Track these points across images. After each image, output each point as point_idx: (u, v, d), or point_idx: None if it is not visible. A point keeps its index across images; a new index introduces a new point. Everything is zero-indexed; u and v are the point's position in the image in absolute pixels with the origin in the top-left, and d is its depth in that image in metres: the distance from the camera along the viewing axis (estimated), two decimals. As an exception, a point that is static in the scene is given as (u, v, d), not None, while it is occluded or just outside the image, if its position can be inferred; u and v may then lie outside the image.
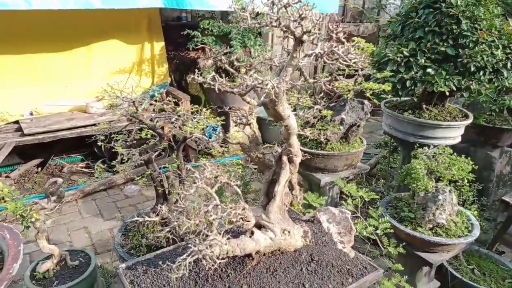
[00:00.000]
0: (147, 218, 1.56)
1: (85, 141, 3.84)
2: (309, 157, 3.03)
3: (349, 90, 2.87)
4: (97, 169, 5.59)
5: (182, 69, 6.89)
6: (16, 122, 5.06)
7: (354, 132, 3.07)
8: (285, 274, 1.81)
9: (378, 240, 2.63)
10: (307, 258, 1.90)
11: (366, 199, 2.77)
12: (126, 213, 4.68)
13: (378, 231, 2.62)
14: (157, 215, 1.56)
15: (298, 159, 1.82)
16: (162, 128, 2.52)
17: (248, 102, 1.57)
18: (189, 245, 1.42)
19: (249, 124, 1.89)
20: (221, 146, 6.43)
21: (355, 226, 2.64)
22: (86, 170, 5.81)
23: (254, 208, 1.87)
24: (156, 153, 2.58)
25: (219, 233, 1.54)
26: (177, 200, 2.61)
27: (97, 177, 5.51)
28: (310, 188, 3.43)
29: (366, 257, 2.77)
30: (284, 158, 1.81)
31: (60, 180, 2.41)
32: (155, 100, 5.74)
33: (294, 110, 3.44)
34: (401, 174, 3.27)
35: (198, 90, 7.20)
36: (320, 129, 3.02)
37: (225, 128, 6.27)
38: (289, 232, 1.87)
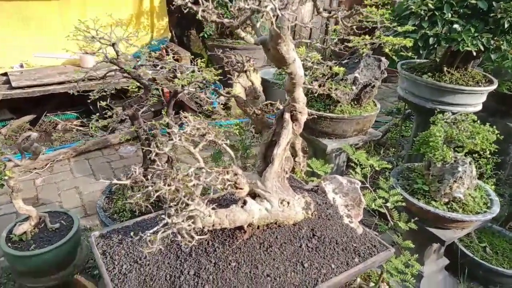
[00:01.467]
0: (115, 181, 1.30)
1: (79, 97, 3.57)
2: (315, 120, 2.73)
3: (365, 45, 2.51)
4: (91, 127, 5.33)
5: (184, 24, 6.45)
6: (5, 74, 4.75)
7: (367, 93, 2.73)
8: (281, 250, 1.55)
9: (387, 213, 2.37)
10: (307, 233, 1.64)
11: (377, 168, 2.48)
12: (120, 174, 4.46)
13: (388, 204, 2.36)
14: (129, 178, 1.28)
15: (303, 117, 1.52)
16: (154, 80, 2.20)
17: (243, 38, 1.25)
18: (163, 215, 1.15)
19: (245, 71, 1.57)
20: (223, 109, 6.12)
21: (363, 195, 2.39)
22: (81, 128, 5.55)
23: (249, 174, 1.59)
24: (144, 108, 2.28)
25: (202, 202, 1.27)
26: (154, 161, 2.35)
27: (91, 136, 5.26)
28: (314, 155, 3.15)
29: (375, 233, 2.53)
30: (287, 115, 1.51)
31: (34, 134, 2.13)
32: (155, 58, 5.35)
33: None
34: (417, 142, 2.96)
35: (201, 48, 6.79)
36: (329, 89, 2.69)
37: (228, 87, 5.93)
38: (288, 203, 1.60)
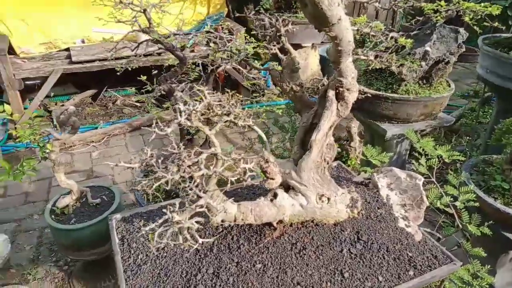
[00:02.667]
0: (122, 164, 1.13)
1: (137, 73, 3.54)
2: (373, 101, 2.37)
3: (438, 12, 2.08)
4: (147, 103, 5.38)
5: (242, -2, 6.21)
6: (67, 49, 4.90)
7: (440, 70, 2.30)
8: (317, 255, 1.31)
9: (455, 214, 2.00)
10: (351, 235, 1.37)
11: (447, 160, 2.10)
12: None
13: (457, 203, 1.98)
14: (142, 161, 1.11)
15: (352, 96, 1.23)
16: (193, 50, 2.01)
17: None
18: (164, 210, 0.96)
19: (279, 36, 1.30)
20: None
21: (427, 192, 2.04)
22: (138, 104, 5.64)
23: (283, 162, 1.35)
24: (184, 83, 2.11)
25: (220, 194, 1.06)
26: (191, 140, 2.18)
27: (147, 112, 5.32)
28: (371, 141, 2.79)
29: (438, 236, 2.17)
30: (331, 93, 1.23)
31: (71, 108, 2.07)
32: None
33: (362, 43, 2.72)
34: (497, 131, 2.48)
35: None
36: (389, 62, 2.31)
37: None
38: (328, 198, 1.33)
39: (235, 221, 1.21)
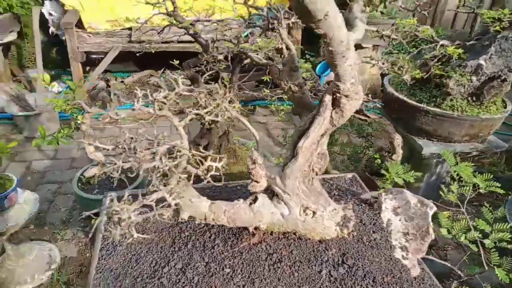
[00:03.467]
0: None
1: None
2: (413, 113, 2.16)
3: (500, 20, 1.81)
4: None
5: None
6: (130, 28, 5.13)
7: (494, 88, 2.02)
8: (293, 271, 1.20)
9: (482, 253, 1.76)
10: (336, 257, 1.24)
11: (482, 190, 1.84)
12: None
13: (487, 241, 1.74)
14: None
15: (351, 104, 1.09)
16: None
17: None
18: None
19: (272, 29, 1.19)
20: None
21: (453, 223, 1.82)
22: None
23: (271, 166, 1.25)
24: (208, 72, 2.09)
25: (187, 189, 1.01)
26: (210, 130, 2.12)
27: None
28: (410, 157, 2.56)
29: (454, 278, 1.93)
30: (327, 98, 1.11)
31: (102, 83, 2.14)
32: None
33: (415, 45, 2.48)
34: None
35: (322, 20, 6.30)
36: (439, 75, 2.08)
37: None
38: (314, 212, 1.21)
39: (205, 219, 1.15)
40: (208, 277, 1.19)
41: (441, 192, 1.87)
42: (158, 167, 0.94)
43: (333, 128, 1.14)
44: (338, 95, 1.08)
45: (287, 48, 1.15)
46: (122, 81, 5.82)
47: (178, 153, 1.00)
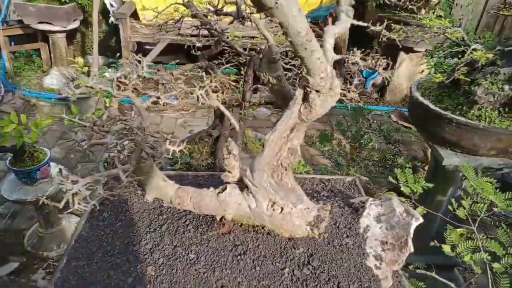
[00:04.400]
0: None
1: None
2: (437, 120, 2.02)
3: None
4: (241, 84, 5.56)
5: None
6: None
7: (529, 100, 1.82)
8: (255, 264, 1.19)
9: (489, 278, 1.60)
10: (302, 257, 1.21)
11: (498, 209, 1.68)
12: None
13: (496, 265, 1.59)
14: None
15: (323, 100, 1.04)
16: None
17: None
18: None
19: (243, 17, 1.16)
20: (377, 92, 5.42)
21: (458, 239, 1.69)
22: (235, 84, 5.86)
23: (246, 157, 1.25)
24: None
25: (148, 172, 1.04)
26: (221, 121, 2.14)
27: (239, 92, 5.49)
28: (435, 168, 2.39)
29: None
30: (298, 91, 1.07)
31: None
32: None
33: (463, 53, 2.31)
34: None
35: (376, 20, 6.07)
36: (464, 82, 1.92)
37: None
38: (282, 208, 1.19)
39: (171, 203, 1.17)
40: (173, 260, 1.22)
41: (449, 207, 1.73)
42: (110, 144, 0.98)
43: (303, 123, 1.10)
44: (308, 89, 1.04)
45: (265, 38, 1.13)
46: (171, 73, 6.05)
47: (135, 135, 1.03)
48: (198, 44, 2.06)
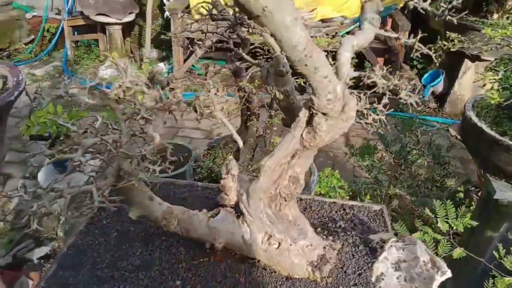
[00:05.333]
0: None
1: None
2: (492, 146, 1.73)
3: None
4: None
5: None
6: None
7: None
8: (243, 303, 1.05)
9: None
10: (298, 301, 1.04)
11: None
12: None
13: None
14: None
15: (329, 125, 0.87)
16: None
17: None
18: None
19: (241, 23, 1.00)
20: (436, 101, 4.97)
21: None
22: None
23: (245, 179, 1.11)
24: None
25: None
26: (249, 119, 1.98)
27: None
28: (487, 200, 2.07)
29: None
30: (302, 113, 0.91)
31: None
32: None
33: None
34: None
35: (441, 25, 5.57)
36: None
37: (451, 78, 4.74)
38: (279, 243, 1.03)
39: (156, 223, 1.07)
40: (157, 283, 1.12)
41: (495, 253, 1.46)
42: (76, 161, 0.88)
43: (306, 150, 0.94)
44: (313, 111, 0.88)
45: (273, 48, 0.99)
46: (206, 70, 6.00)
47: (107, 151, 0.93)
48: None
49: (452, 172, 2.77)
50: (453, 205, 1.62)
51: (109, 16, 5.03)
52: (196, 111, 1.15)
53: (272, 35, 0.73)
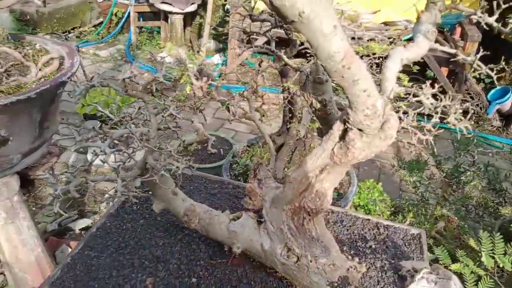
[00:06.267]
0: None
1: None
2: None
3: None
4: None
5: None
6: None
7: None
8: (255, 312, 1.02)
9: None
10: (312, 320, 0.99)
11: None
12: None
13: None
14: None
15: (364, 142, 0.81)
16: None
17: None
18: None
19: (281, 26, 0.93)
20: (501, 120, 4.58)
21: None
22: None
23: (271, 186, 1.07)
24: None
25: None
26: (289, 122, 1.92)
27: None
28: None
29: None
30: (336, 126, 0.84)
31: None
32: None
33: None
34: None
35: (519, 37, 5.10)
36: None
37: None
38: (297, 257, 0.98)
39: (178, 218, 1.07)
40: (174, 277, 1.12)
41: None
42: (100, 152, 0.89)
43: (336, 166, 0.87)
44: (348, 125, 0.81)
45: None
46: (259, 65, 5.97)
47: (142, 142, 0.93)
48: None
49: (509, 200, 2.53)
50: (502, 239, 1.47)
51: (172, 5, 5.18)
52: (228, 110, 1.12)
53: (308, 42, 0.68)
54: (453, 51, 0.91)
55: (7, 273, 2.05)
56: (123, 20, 6.22)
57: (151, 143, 0.93)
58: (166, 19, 5.76)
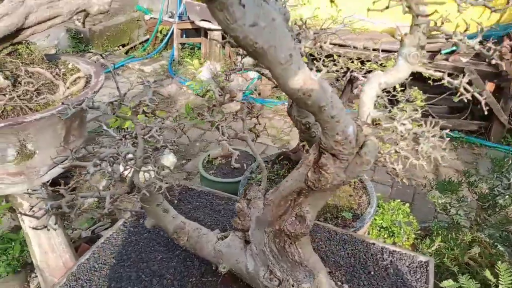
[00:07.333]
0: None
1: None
2: None
3: None
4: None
5: None
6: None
7: None
8: (238, 334, 1.02)
9: None
10: None
11: None
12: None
13: None
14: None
15: (338, 167, 0.79)
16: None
17: None
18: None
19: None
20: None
21: None
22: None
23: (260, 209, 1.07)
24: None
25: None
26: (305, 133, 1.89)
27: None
28: None
29: None
30: (311, 149, 0.83)
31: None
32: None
33: None
34: None
35: None
36: None
37: None
38: (279, 281, 0.97)
39: (168, 235, 1.10)
40: (165, 293, 1.15)
41: None
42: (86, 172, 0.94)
43: (311, 191, 0.86)
44: (323, 153, 0.80)
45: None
46: None
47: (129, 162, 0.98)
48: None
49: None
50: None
51: (210, 22, 5.35)
52: (218, 130, 1.15)
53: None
54: (436, 74, 0.87)
55: (39, 277, 2.20)
56: (168, 36, 6.53)
57: (137, 163, 0.97)
58: (206, 35, 5.97)
